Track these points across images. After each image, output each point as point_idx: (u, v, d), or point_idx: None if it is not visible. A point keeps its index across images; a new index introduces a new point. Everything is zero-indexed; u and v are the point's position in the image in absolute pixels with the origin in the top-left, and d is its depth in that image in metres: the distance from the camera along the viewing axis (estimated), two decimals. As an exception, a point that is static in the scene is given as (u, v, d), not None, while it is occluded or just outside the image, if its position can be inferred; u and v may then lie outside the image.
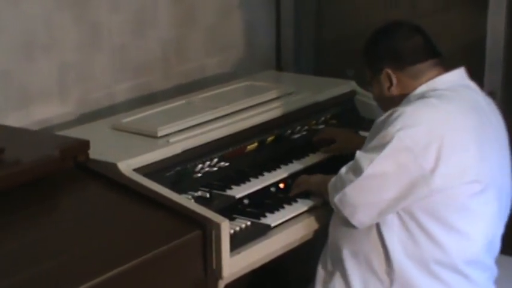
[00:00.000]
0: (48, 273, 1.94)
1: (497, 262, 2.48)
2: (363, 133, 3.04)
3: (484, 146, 2.34)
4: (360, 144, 2.66)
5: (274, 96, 3.03)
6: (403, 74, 2.43)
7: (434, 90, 2.38)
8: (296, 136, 2.95)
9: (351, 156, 2.41)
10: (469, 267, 2.36)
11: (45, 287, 1.91)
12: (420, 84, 2.41)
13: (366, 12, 3.83)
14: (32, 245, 2.06)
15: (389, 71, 2.44)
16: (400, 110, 2.31)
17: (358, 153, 2.35)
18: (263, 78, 3.38)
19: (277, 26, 3.95)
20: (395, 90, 2.45)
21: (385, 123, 2.32)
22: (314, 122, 3.04)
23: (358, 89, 3.27)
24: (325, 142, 2.90)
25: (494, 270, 2.47)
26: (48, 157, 2.29)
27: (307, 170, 2.73)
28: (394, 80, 2.44)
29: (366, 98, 3.23)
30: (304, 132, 2.98)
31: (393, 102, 2.44)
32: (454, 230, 2.32)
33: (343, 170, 2.39)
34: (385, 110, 2.45)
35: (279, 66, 3.96)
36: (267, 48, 3.93)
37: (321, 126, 3.04)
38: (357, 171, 2.32)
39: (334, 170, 2.50)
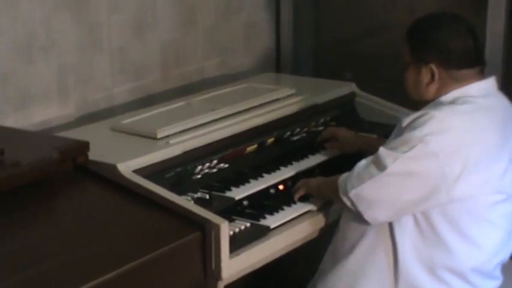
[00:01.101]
0: (48, 275, 1.93)
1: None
2: (363, 135, 3.05)
3: (509, 158, 2.32)
4: (361, 143, 2.65)
5: (273, 98, 3.03)
6: (446, 73, 2.35)
7: (467, 96, 2.32)
8: (295, 138, 2.94)
9: (351, 156, 2.39)
10: (476, 274, 2.35)
11: (44, 288, 1.91)
12: (456, 88, 2.34)
13: (365, 14, 3.83)
14: (31, 246, 2.06)
15: (434, 68, 2.35)
16: (431, 113, 2.26)
17: (381, 149, 2.30)
18: (262, 80, 3.38)
19: (276, 29, 3.95)
20: (432, 87, 2.36)
21: (413, 125, 2.28)
22: (314, 124, 3.04)
23: (358, 90, 3.26)
24: (328, 142, 2.90)
25: (499, 279, 2.44)
26: (48, 159, 2.28)
27: (307, 172, 2.73)
28: (437, 77, 2.35)
29: (365, 100, 3.23)
30: (304, 134, 2.97)
31: (425, 95, 2.38)
32: (467, 238, 2.30)
33: (362, 163, 2.34)
34: (414, 97, 2.42)
35: (279, 68, 3.97)
36: (267, 50, 3.93)
37: (321, 128, 3.04)
38: (380, 166, 2.28)
39: (334, 172, 2.51)
